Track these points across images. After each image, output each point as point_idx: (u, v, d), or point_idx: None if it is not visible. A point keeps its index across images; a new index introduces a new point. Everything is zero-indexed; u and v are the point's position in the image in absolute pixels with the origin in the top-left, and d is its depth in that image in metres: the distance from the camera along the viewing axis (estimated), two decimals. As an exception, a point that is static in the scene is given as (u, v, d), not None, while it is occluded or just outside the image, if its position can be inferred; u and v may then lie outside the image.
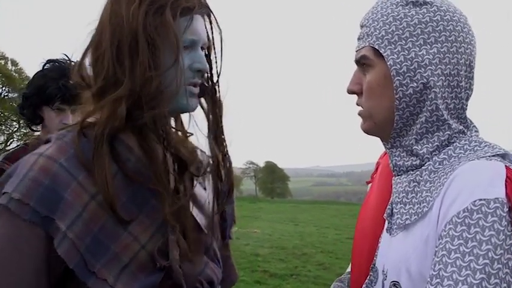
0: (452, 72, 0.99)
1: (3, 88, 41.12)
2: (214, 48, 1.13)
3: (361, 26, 1.08)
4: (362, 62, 1.05)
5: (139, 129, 1.00)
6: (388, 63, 1.00)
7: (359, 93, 1.07)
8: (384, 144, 1.09)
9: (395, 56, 0.99)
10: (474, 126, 1.05)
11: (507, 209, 0.81)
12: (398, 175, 1.06)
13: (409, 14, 1.00)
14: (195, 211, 1.11)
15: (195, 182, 1.14)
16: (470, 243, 0.80)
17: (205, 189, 1.18)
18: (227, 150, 1.15)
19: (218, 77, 1.13)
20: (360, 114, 1.09)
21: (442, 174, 0.94)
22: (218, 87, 1.14)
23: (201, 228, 1.10)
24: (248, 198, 53.62)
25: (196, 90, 1.07)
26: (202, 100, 1.13)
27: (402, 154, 1.04)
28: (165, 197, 0.99)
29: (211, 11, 1.10)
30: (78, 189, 0.94)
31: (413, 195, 1.00)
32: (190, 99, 1.06)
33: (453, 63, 0.99)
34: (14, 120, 39.81)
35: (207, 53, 1.12)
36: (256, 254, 9.74)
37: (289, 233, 14.35)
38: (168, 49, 0.99)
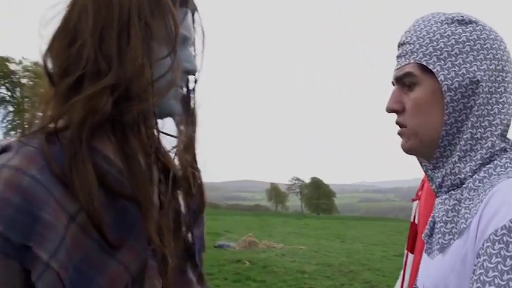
0: (499, 90, 0.99)
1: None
2: (194, 50, 0.98)
3: (402, 44, 1.08)
4: (405, 80, 1.04)
5: (122, 129, 0.83)
6: (439, 79, 0.99)
7: (400, 112, 1.06)
8: (424, 165, 1.08)
9: (446, 71, 0.99)
10: None
11: None
12: (440, 195, 1.05)
13: (456, 31, 1.01)
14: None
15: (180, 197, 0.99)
16: (508, 261, 0.79)
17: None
18: (197, 165, 1.00)
19: (195, 83, 0.99)
20: (401, 133, 1.07)
21: (482, 191, 0.93)
22: (194, 94, 1.00)
23: (190, 252, 0.99)
24: (294, 214, 53.35)
25: (182, 92, 0.95)
26: None
27: (445, 173, 1.02)
28: (150, 212, 0.83)
29: (197, 9, 0.97)
30: (56, 208, 0.75)
31: (454, 213, 0.99)
32: (176, 101, 0.93)
33: (499, 80, 1.00)
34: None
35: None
36: (302, 271, 9.65)
37: (335, 249, 14.17)
38: (164, 38, 0.86)
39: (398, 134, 1.08)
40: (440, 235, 1.01)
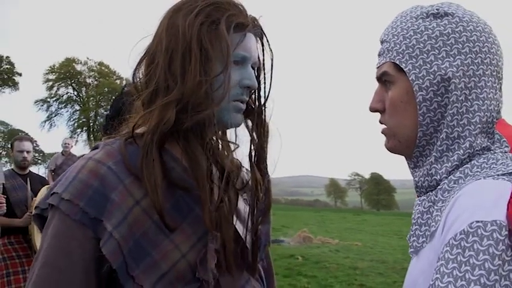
0: (479, 85, 0.94)
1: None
2: (263, 70, 1.15)
3: (382, 42, 1.05)
4: (383, 79, 1.02)
5: (185, 134, 1.03)
6: (410, 78, 0.96)
7: (382, 111, 1.05)
8: (407, 163, 1.06)
9: (417, 70, 0.96)
10: (505, 141, 0.98)
11: (506, 233, 0.76)
12: (419, 196, 1.02)
13: (430, 26, 0.97)
14: (238, 225, 1.12)
15: (239, 196, 1.15)
16: (463, 267, 0.76)
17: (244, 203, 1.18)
18: (267, 171, 1.15)
19: (266, 99, 1.16)
20: (383, 132, 1.06)
21: (453, 193, 0.90)
22: (265, 108, 1.16)
23: (243, 243, 1.11)
24: (353, 210, 52.66)
25: (243, 106, 1.10)
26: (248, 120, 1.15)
27: (423, 174, 1.00)
28: (206, 203, 1.00)
29: (263, 33, 1.13)
30: (124, 193, 0.97)
31: (429, 215, 0.96)
32: (236, 114, 1.08)
33: (478, 75, 0.94)
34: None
35: (256, 74, 1.14)
36: (355, 267, 9.53)
37: (391, 246, 13.87)
38: (220, 60, 1.03)
39: (382, 133, 1.07)
40: (414, 238, 0.99)
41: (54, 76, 45.72)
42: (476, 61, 0.94)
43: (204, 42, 1.02)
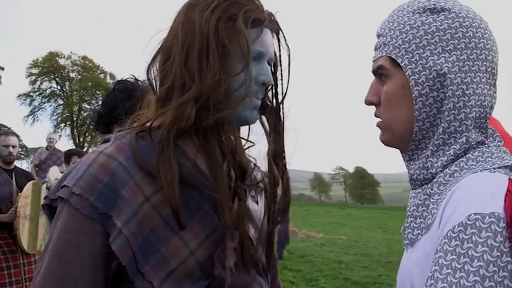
0: (474, 80, 0.94)
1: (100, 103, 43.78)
2: (281, 66, 1.13)
3: (378, 36, 1.05)
4: (379, 73, 1.03)
5: (204, 132, 1.01)
6: (407, 73, 0.97)
7: (377, 104, 1.05)
8: (402, 156, 1.06)
9: (414, 65, 0.96)
10: (498, 135, 0.99)
11: (504, 224, 0.77)
12: (414, 189, 1.03)
13: (426, 21, 0.97)
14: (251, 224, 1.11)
15: (248, 195, 1.14)
16: (462, 259, 0.77)
17: (257, 203, 1.18)
18: (286, 168, 1.14)
19: (284, 96, 1.14)
20: (378, 125, 1.07)
21: (449, 186, 0.91)
22: (283, 105, 1.14)
23: (252, 242, 1.10)
24: (337, 204, 52.93)
25: (259, 103, 1.08)
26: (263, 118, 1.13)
27: (419, 167, 1.00)
28: (226, 203, 0.99)
29: (280, 29, 1.12)
30: (134, 189, 0.95)
31: (424, 208, 0.97)
32: (253, 111, 1.07)
33: (474, 70, 0.95)
34: (112, 131, 42.32)
35: (273, 70, 1.12)
36: (340, 261, 9.61)
37: (376, 240, 14.02)
38: (238, 56, 1.00)
39: (377, 126, 1.07)
40: (410, 230, 0.99)
41: (37, 70, 45.07)
42: (472, 57, 0.95)
43: (222, 38, 0.99)
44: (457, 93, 0.94)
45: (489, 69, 0.97)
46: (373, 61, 1.06)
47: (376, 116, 1.07)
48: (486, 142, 0.97)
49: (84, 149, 37.06)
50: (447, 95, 0.94)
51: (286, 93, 1.13)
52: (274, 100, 1.14)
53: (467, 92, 0.94)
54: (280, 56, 1.12)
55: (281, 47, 1.12)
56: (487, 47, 0.97)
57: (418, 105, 0.96)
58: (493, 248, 0.75)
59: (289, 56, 1.12)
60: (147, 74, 1.07)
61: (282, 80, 1.13)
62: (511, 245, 0.76)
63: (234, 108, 1.00)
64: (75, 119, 45.52)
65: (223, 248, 1.00)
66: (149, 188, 0.97)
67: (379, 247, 12.16)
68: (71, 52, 46.83)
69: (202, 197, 1.01)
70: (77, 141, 44.05)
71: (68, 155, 6.16)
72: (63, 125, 45.79)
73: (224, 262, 0.99)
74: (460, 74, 0.94)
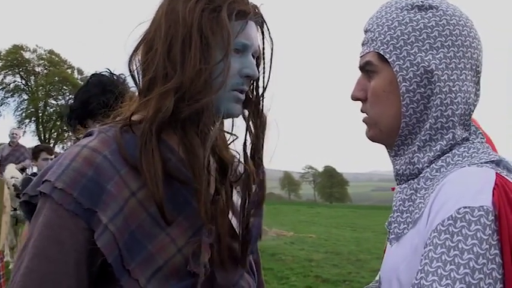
0: (460, 78, 0.96)
1: (70, 96, 43.07)
2: (263, 59, 1.12)
3: (365, 31, 1.06)
4: (367, 68, 1.03)
5: (183, 124, 0.99)
6: (395, 69, 0.98)
7: (363, 100, 1.06)
8: (388, 152, 1.07)
9: (401, 61, 0.97)
10: (480, 133, 1.01)
11: (493, 218, 0.79)
12: (400, 184, 1.04)
13: (415, 18, 0.98)
14: (233, 219, 1.10)
15: (233, 189, 1.13)
16: (452, 251, 0.78)
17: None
18: (261, 162, 1.13)
19: (264, 89, 1.13)
20: (364, 121, 1.08)
21: (436, 181, 0.92)
22: (263, 99, 1.13)
23: (236, 237, 1.08)
24: (306, 203, 53.36)
25: (242, 96, 1.07)
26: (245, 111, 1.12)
27: (404, 162, 1.02)
28: (202, 195, 0.97)
29: (265, 21, 1.10)
30: (120, 183, 0.93)
31: (410, 203, 0.98)
32: (234, 104, 1.06)
33: (460, 68, 0.96)
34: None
35: (255, 63, 1.10)
36: (310, 259, 9.65)
37: (345, 238, 14.13)
38: (220, 47, 1.00)
39: (363, 121, 1.08)
40: (396, 224, 1.00)
41: (1, 63, 43.96)
42: (458, 54, 0.96)
43: (205, 29, 0.99)
44: (444, 89, 0.95)
45: (474, 67, 0.99)
46: (361, 57, 1.06)
47: (362, 111, 1.08)
48: (470, 138, 0.99)
49: (51, 146, 36.39)
50: (434, 91, 0.95)
51: (266, 86, 1.12)
52: (255, 93, 1.13)
53: (453, 89, 0.95)
54: (263, 49, 1.11)
55: (265, 40, 1.11)
56: (473, 45, 0.98)
57: (406, 101, 0.98)
58: (482, 240, 0.77)
59: (272, 49, 1.11)
60: (129, 65, 1.05)
61: (264, 73, 1.12)
62: (499, 237, 0.78)
63: (211, 97, 0.98)
64: (40, 114, 44.54)
65: (199, 244, 0.98)
66: (135, 182, 0.95)
67: (348, 245, 12.26)
68: (37, 46, 45.78)
69: (190, 192, 0.99)
70: (43, 138, 43.10)
71: (37, 151, 5.98)
72: (27, 120, 44.74)
73: (199, 258, 0.97)
74: (447, 71, 0.95)
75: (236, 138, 1.14)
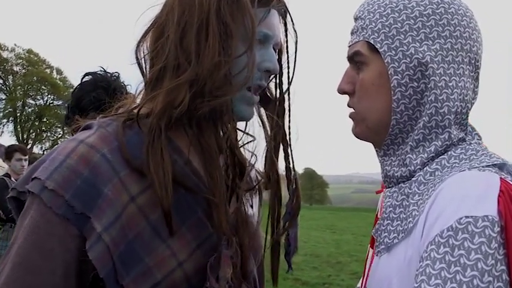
0: (457, 72, 0.87)
1: (49, 96, 42.56)
2: (287, 52, 1.02)
3: (355, 19, 0.97)
4: (355, 59, 0.94)
5: (198, 122, 0.89)
6: (386, 61, 0.89)
7: (351, 94, 0.96)
8: (376, 151, 0.98)
9: (393, 52, 0.88)
10: (476, 133, 0.92)
11: (498, 229, 0.69)
12: (389, 187, 0.94)
13: (409, 5, 0.89)
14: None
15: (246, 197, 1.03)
16: (453, 267, 0.69)
17: (252, 207, 1.05)
18: (294, 166, 1.04)
19: (289, 84, 1.02)
20: (351, 116, 0.98)
21: (432, 186, 0.82)
22: (289, 95, 1.03)
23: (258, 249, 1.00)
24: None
25: (257, 98, 0.96)
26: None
27: (394, 163, 0.93)
28: (222, 206, 0.86)
29: (288, 11, 1.00)
30: (119, 187, 0.82)
31: (402, 209, 0.88)
32: (247, 107, 0.95)
33: (457, 61, 0.87)
34: (59, 127, 41.20)
35: (277, 56, 1.00)
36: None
37: (325, 240, 14.17)
38: (242, 37, 0.89)
39: (349, 117, 0.98)
40: (386, 234, 0.90)
41: (-22, 62, 43.19)
42: (456, 46, 0.88)
43: (224, 15, 0.87)
44: (439, 84, 0.86)
45: (473, 62, 0.90)
46: (349, 46, 0.97)
47: (349, 106, 0.98)
48: (467, 139, 0.90)
49: (28, 146, 35.82)
50: (429, 86, 0.86)
51: (291, 82, 1.01)
52: (278, 91, 1.02)
53: (450, 84, 0.87)
54: (286, 41, 1.01)
55: (288, 32, 1.00)
56: (472, 37, 0.89)
57: (397, 95, 0.88)
58: (488, 255, 0.68)
59: (296, 42, 1.01)
60: (136, 53, 0.93)
61: (288, 67, 1.01)
62: (506, 251, 0.69)
63: (233, 94, 0.88)
64: (18, 114, 43.82)
65: (218, 257, 0.86)
66: (136, 186, 0.83)
67: (327, 248, 12.29)
68: (15, 45, 45.07)
69: (196, 200, 0.88)
70: (21, 138, 42.41)
71: (10, 151, 5.69)
72: (5, 120, 43.99)
73: (219, 273, 0.85)
74: (443, 64, 0.87)
75: (253, 140, 1.02)
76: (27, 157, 5.41)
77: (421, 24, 0.88)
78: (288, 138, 1.02)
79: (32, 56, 44.75)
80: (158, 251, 0.83)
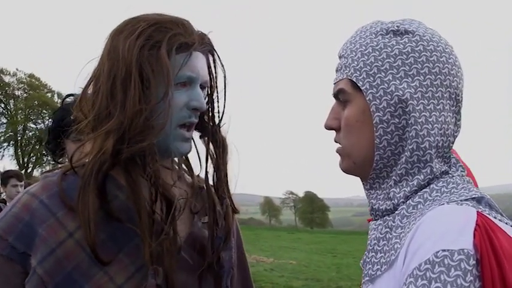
0: (437, 107, 0.89)
1: (50, 120, 42.62)
2: (216, 88, 1.11)
3: (340, 57, 1.00)
4: (340, 97, 0.97)
5: (126, 164, 0.97)
6: (367, 98, 0.91)
7: (337, 129, 0.99)
8: (363, 184, 1.00)
9: (375, 90, 0.90)
10: (461, 165, 0.94)
11: (474, 262, 0.71)
12: (375, 219, 0.97)
13: (389, 44, 0.92)
14: (188, 253, 1.05)
15: (195, 222, 1.10)
16: None
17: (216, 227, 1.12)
18: (225, 193, 1.12)
19: (220, 118, 1.12)
20: (338, 152, 1.00)
21: (413, 219, 0.84)
22: (219, 128, 1.12)
23: (192, 272, 1.05)
24: (287, 228, 53.07)
25: (189, 134, 1.06)
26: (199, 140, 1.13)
27: (380, 197, 0.95)
28: (145, 237, 0.95)
29: (214, 49, 1.08)
30: (55, 226, 0.94)
31: (385, 242, 0.90)
32: (183, 143, 1.04)
33: (437, 97, 0.90)
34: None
35: (208, 92, 1.10)
36: (290, 286, 9.56)
37: (326, 264, 14.06)
38: (161, 84, 0.97)
39: (336, 152, 1.01)
40: (370, 265, 0.92)
41: (-20, 87, 43.40)
42: (435, 83, 0.90)
43: (145, 66, 0.97)
44: (419, 120, 0.88)
45: (453, 96, 0.92)
46: (334, 84, 1.00)
47: (335, 141, 1.01)
48: (450, 172, 0.92)
49: (29, 170, 35.77)
50: (409, 122, 0.89)
51: (222, 115, 1.12)
52: (211, 123, 1.12)
53: (430, 120, 0.89)
54: (215, 77, 1.10)
55: (216, 68, 1.10)
56: (452, 72, 0.92)
57: (379, 132, 0.91)
58: None
59: (224, 76, 1.10)
60: (80, 104, 1.03)
61: (218, 101, 1.11)
62: (481, 284, 0.70)
63: (152, 140, 0.96)
64: (19, 138, 43.89)
65: (145, 286, 0.95)
66: (73, 223, 0.95)
67: (328, 272, 12.20)
68: (17, 69, 45.30)
69: (133, 229, 0.97)
70: (21, 162, 42.40)
71: (6, 177, 5.57)
72: (6, 144, 44.05)
73: None
74: (422, 100, 0.89)
75: (191, 174, 1.14)
76: (22, 183, 5.33)
77: (401, 62, 0.90)
78: (223, 167, 1.12)
79: (33, 80, 45.01)
80: (96, 277, 0.93)
